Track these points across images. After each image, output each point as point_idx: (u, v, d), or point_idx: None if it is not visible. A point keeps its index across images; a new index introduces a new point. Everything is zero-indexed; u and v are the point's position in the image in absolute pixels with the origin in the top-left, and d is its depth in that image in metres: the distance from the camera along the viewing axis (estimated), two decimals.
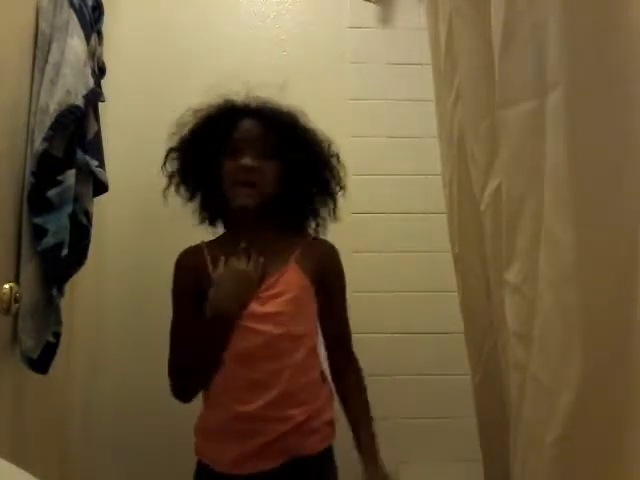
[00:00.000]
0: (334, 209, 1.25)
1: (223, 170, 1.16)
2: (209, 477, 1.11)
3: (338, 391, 1.21)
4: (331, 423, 1.16)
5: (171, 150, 1.22)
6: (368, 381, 1.78)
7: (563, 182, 0.71)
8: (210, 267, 1.14)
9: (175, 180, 1.23)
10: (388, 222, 1.85)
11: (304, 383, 1.12)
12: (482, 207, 0.98)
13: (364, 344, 1.77)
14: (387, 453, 1.76)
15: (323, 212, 1.24)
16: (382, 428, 1.75)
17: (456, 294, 1.19)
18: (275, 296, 1.12)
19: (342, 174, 1.24)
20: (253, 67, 1.87)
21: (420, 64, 1.75)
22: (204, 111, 1.21)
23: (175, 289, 1.17)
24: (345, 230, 1.80)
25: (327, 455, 1.17)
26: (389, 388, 1.78)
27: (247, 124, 1.18)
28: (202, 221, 1.26)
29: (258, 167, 1.14)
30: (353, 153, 1.86)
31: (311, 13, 1.93)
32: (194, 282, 1.15)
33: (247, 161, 1.14)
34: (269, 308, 1.11)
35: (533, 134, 0.77)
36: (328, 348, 1.23)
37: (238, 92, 1.22)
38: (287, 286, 1.14)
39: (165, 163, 1.23)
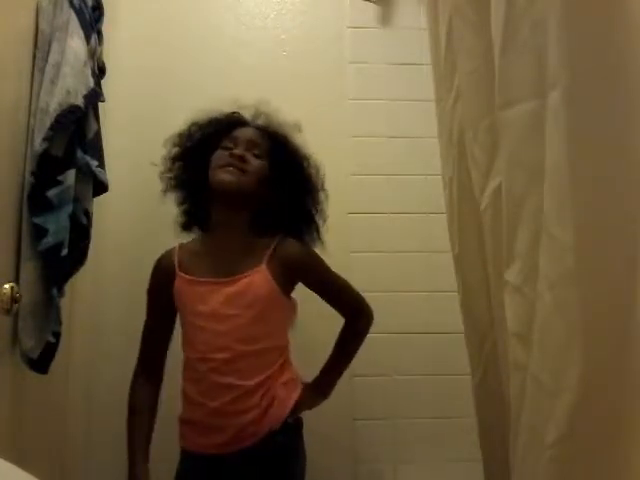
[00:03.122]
0: (317, 229, 1.31)
1: (213, 159, 1.24)
2: (189, 460, 1.22)
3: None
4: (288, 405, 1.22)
5: (173, 150, 1.30)
6: (368, 381, 1.79)
7: (563, 182, 0.71)
8: (177, 268, 1.22)
9: (171, 181, 1.31)
10: (387, 222, 1.85)
11: (263, 380, 1.18)
12: (482, 207, 0.98)
13: (364, 344, 1.78)
14: (387, 453, 1.77)
15: (305, 227, 1.30)
16: (382, 428, 1.77)
17: (456, 294, 1.18)
18: (238, 297, 1.18)
19: (322, 198, 1.31)
20: (253, 67, 1.88)
21: (420, 64, 1.76)
22: (209, 118, 1.31)
23: (147, 290, 1.27)
24: (343, 230, 1.82)
25: (293, 431, 1.24)
26: (389, 388, 1.78)
27: (245, 128, 1.28)
28: (183, 227, 1.32)
29: (247, 157, 1.22)
30: (353, 153, 1.87)
31: (311, 13, 1.93)
32: (161, 284, 1.24)
33: (238, 150, 1.22)
34: (231, 310, 1.17)
35: (533, 134, 0.77)
36: (343, 315, 1.31)
37: (247, 107, 1.33)
38: (252, 289, 1.18)
39: (167, 163, 1.31)
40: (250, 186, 1.21)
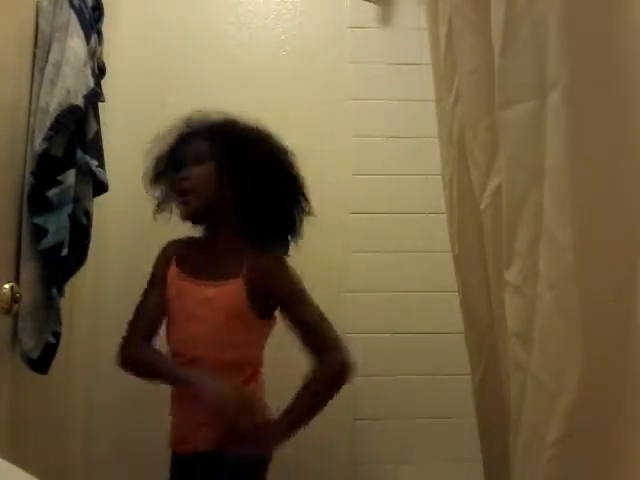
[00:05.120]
0: (292, 225, 1.21)
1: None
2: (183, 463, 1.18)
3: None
4: None
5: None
6: (368, 381, 1.79)
7: (563, 182, 0.71)
8: (174, 258, 1.23)
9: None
10: (388, 222, 1.85)
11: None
12: (482, 207, 0.98)
13: (364, 344, 1.78)
14: (387, 453, 1.77)
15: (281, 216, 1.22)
16: (382, 428, 1.77)
17: (456, 294, 1.18)
18: (210, 302, 1.16)
19: (299, 185, 1.21)
20: (253, 67, 1.88)
21: (420, 64, 1.75)
22: (165, 140, 1.26)
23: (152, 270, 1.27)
24: (344, 230, 1.82)
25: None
26: (389, 388, 1.78)
27: (185, 141, 1.24)
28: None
29: (189, 175, 1.19)
30: (353, 153, 1.87)
31: (311, 13, 1.93)
32: (162, 268, 1.25)
33: (182, 172, 1.20)
34: (201, 312, 1.17)
35: (533, 134, 0.77)
36: (312, 355, 1.16)
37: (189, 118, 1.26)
38: (222, 298, 1.15)
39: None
40: (200, 202, 1.18)
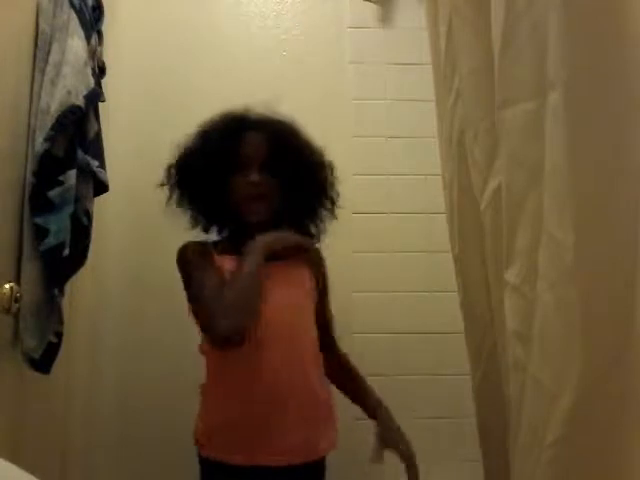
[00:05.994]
0: (332, 212, 1.27)
1: (232, 186, 1.18)
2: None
3: (331, 366, 1.27)
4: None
5: (175, 165, 1.22)
6: (368, 380, 1.79)
7: (563, 182, 0.71)
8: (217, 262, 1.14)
9: (178, 193, 1.23)
10: (388, 222, 1.85)
11: None
12: (482, 207, 0.98)
13: (364, 344, 1.78)
14: (387, 453, 1.77)
15: (321, 219, 1.27)
16: None
17: (456, 294, 1.18)
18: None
19: (335, 183, 1.26)
20: (253, 67, 1.88)
21: (420, 64, 1.76)
22: (207, 127, 1.22)
23: (191, 258, 1.16)
24: (345, 230, 1.82)
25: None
26: (389, 388, 1.78)
27: (251, 139, 1.20)
28: (197, 226, 1.26)
29: (265, 181, 1.17)
30: (353, 153, 1.87)
31: (311, 13, 1.93)
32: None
33: (255, 177, 1.17)
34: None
35: (533, 134, 0.77)
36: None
37: (237, 106, 1.23)
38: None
39: (169, 176, 1.23)
40: (274, 206, 1.19)
